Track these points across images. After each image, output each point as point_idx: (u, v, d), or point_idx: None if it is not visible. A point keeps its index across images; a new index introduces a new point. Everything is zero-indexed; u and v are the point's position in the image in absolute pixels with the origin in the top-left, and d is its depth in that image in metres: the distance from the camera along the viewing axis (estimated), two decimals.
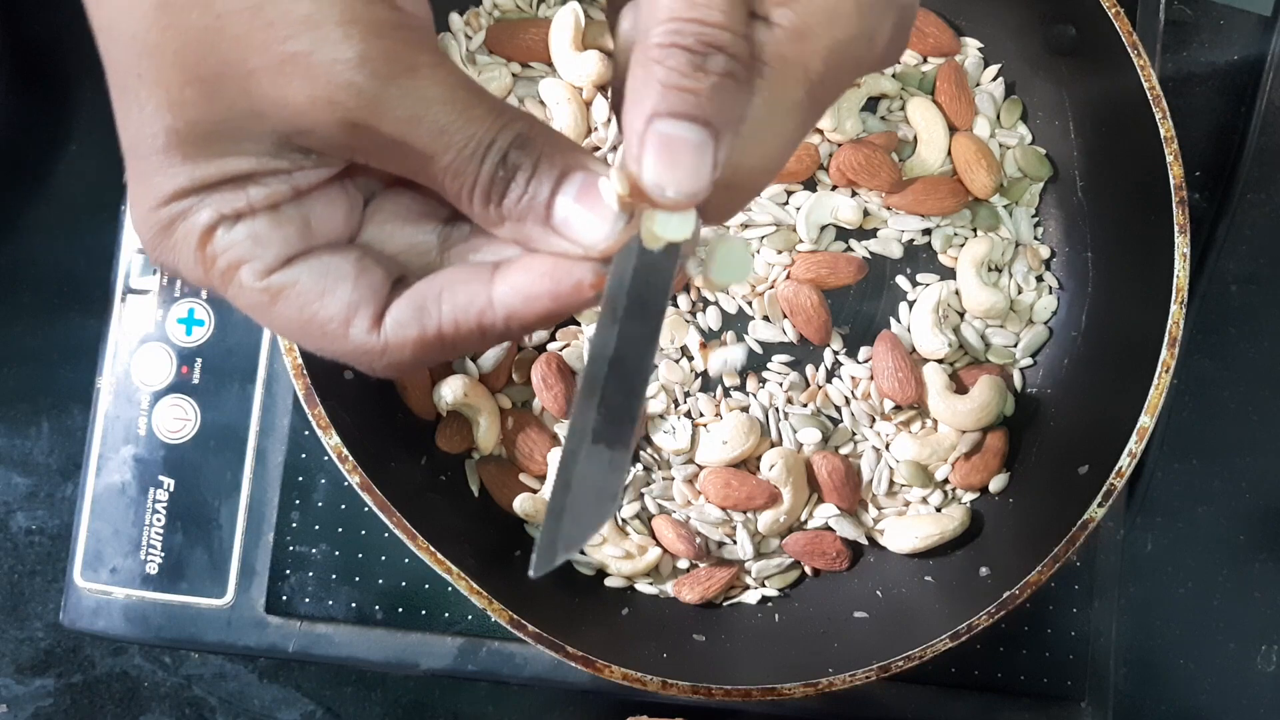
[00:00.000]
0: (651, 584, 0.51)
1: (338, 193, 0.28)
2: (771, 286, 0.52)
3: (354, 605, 0.50)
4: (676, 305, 0.52)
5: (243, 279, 0.26)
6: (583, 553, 0.50)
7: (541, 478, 0.51)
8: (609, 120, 0.52)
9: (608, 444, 0.25)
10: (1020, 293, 0.54)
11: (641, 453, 0.51)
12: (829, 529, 0.51)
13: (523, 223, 0.26)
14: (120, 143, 0.27)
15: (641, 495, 0.51)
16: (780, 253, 0.52)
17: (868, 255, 0.53)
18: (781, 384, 0.52)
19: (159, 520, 0.51)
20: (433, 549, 0.43)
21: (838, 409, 0.52)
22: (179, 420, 0.52)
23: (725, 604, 0.51)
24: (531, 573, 0.25)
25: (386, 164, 0.26)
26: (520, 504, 0.50)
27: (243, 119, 0.25)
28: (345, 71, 0.24)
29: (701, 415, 0.51)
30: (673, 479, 0.51)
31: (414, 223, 0.29)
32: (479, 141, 0.25)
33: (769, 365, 0.52)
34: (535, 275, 0.27)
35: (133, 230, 0.53)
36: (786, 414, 0.52)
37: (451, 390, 0.49)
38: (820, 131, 0.53)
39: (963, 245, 0.53)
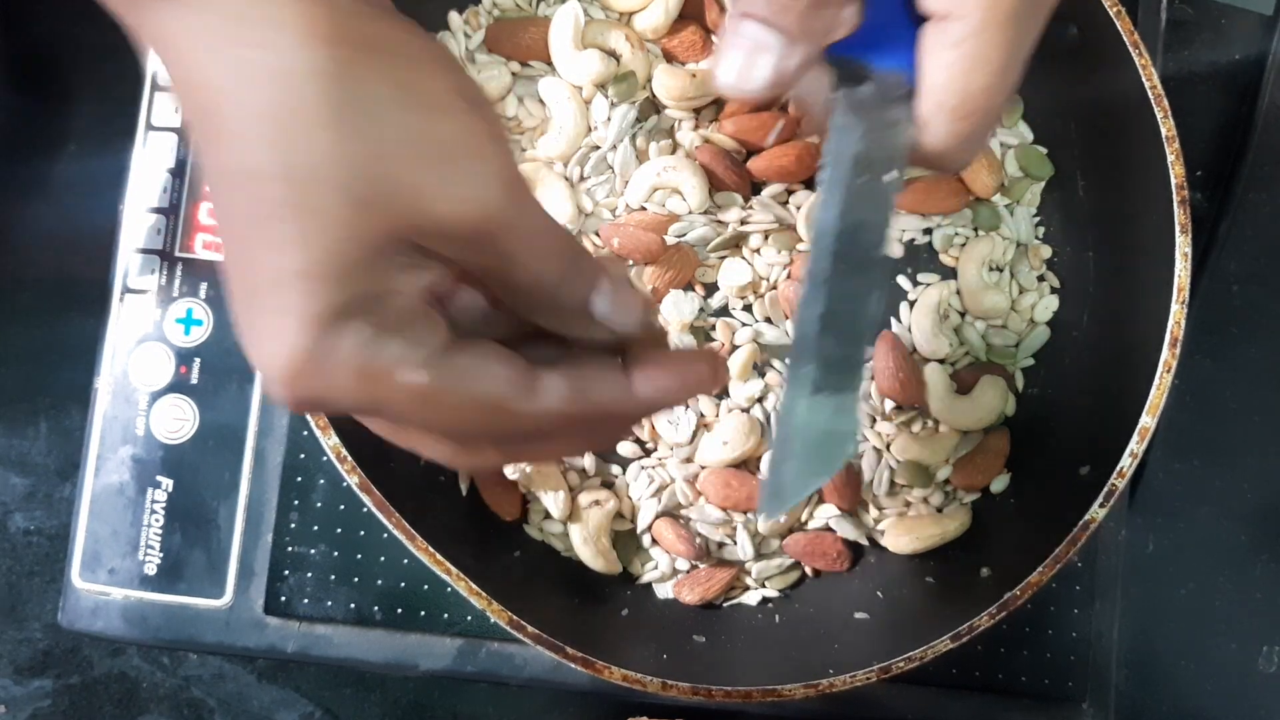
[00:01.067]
0: (658, 582, 0.51)
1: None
2: (773, 287, 0.52)
3: (353, 606, 0.50)
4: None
5: (403, 375, 0.27)
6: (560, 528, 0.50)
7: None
8: (609, 119, 0.51)
9: (833, 391, 0.27)
10: (1021, 293, 0.53)
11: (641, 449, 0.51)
12: (829, 529, 0.51)
13: (567, 316, 0.30)
14: (234, 283, 0.27)
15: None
16: (781, 252, 0.52)
17: None
18: (782, 384, 0.52)
19: (157, 521, 0.51)
20: (432, 550, 0.43)
21: None
22: (177, 420, 0.52)
23: (725, 605, 0.51)
24: (761, 515, 0.28)
25: (479, 266, 0.28)
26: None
27: (392, 231, 0.26)
28: (501, 187, 0.26)
29: (703, 415, 0.51)
30: (673, 479, 0.51)
31: (507, 359, 0.30)
32: (561, 255, 0.29)
33: (771, 364, 0.52)
34: (673, 375, 0.30)
35: (128, 231, 0.53)
36: None
37: None
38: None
39: (964, 245, 0.53)
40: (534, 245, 0.28)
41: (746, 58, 0.27)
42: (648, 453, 0.51)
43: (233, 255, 0.27)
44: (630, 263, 0.32)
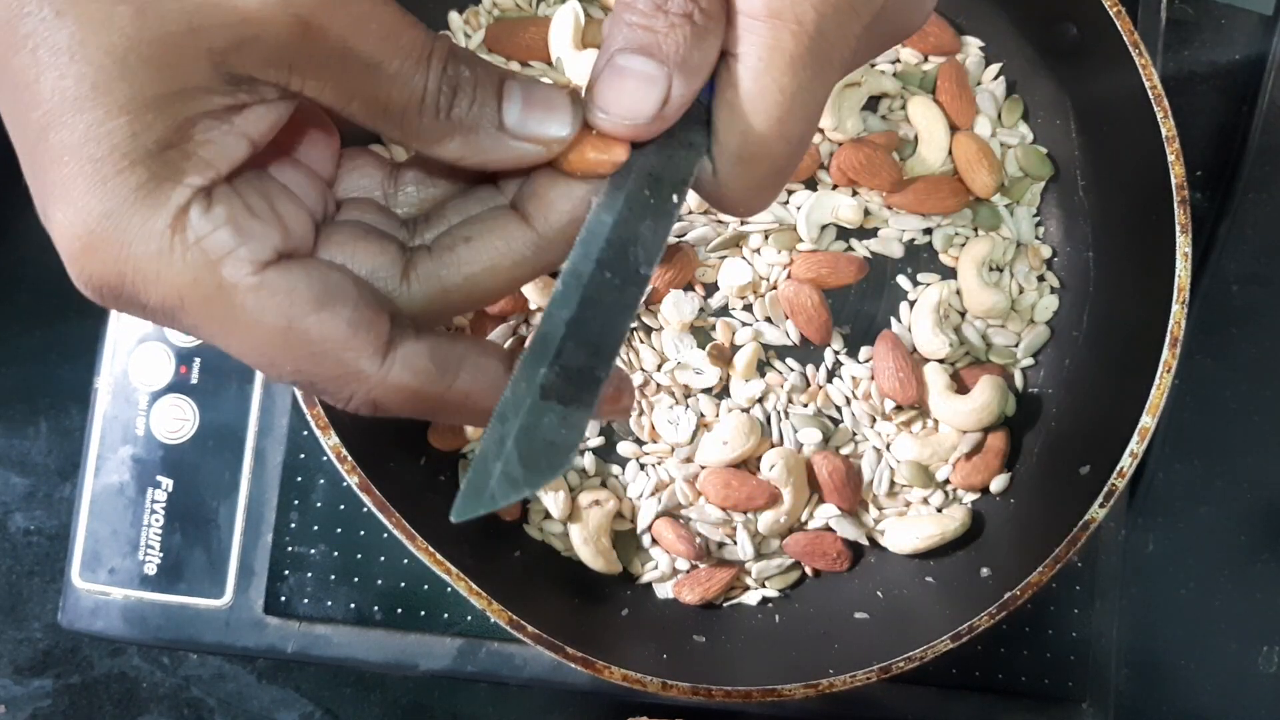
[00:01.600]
0: (659, 582, 0.51)
1: (300, 181, 0.26)
2: (773, 287, 0.52)
3: (353, 606, 0.50)
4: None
5: (227, 274, 0.23)
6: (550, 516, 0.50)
7: None
8: None
9: (561, 401, 0.25)
10: (1021, 292, 0.53)
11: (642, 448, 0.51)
12: (829, 530, 0.51)
13: (476, 133, 0.25)
14: (24, 128, 0.23)
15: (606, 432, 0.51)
16: (781, 252, 0.52)
17: (868, 255, 0.53)
18: (782, 384, 0.52)
19: (157, 521, 0.51)
20: (432, 549, 0.43)
21: (838, 409, 0.52)
22: (177, 420, 0.52)
23: (725, 605, 0.51)
24: (453, 516, 0.24)
25: (327, 82, 0.24)
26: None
27: (180, 38, 0.22)
28: None
29: (703, 415, 0.51)
30: (673, 479, 0.51)
31: (375, 242, 0.27)
32: (423, 46, 0.24)
33: (771, 364, 0.52)
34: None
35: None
36: (787, 414, 0.51)
37: None
38: (821, 131, 0.53)
39: (964, 245, 0.53)
40: (375, 31, 0.23)
41: (632, 91, 0.25)
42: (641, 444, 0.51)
43: (9, 97, 0.22)
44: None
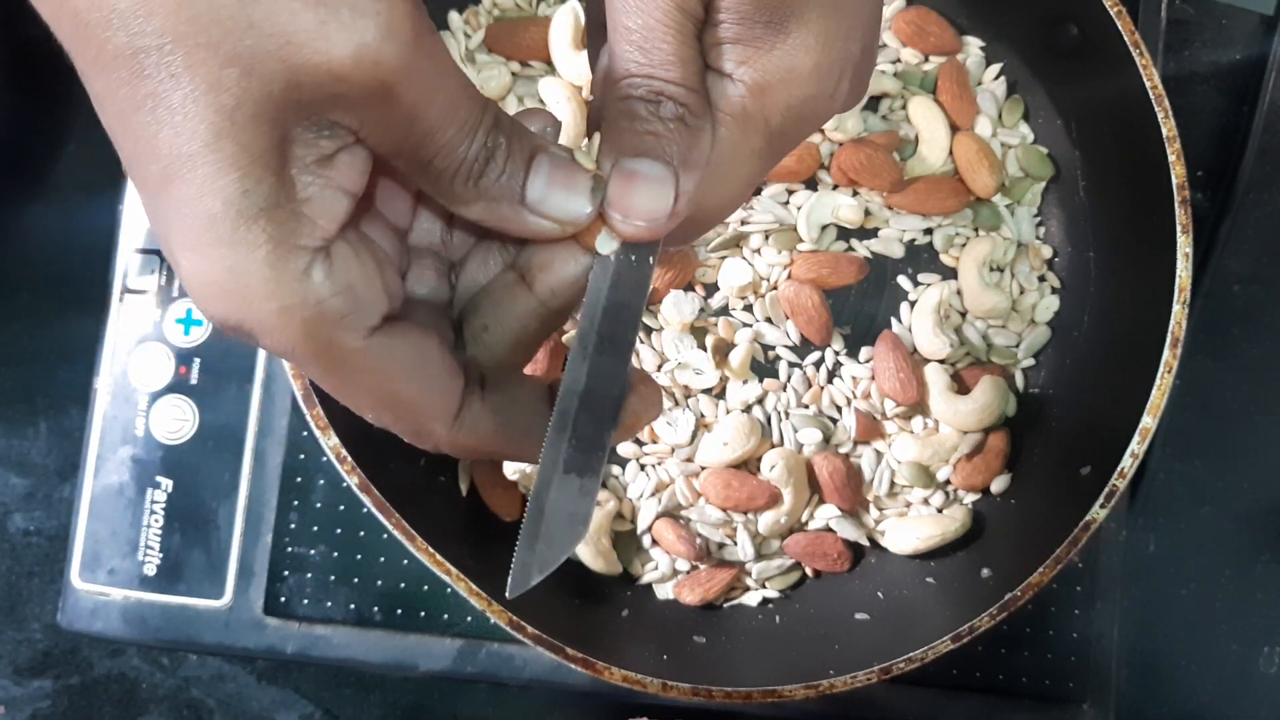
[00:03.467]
0: (659, 582, 0.51)
1: (386, 236, 0.29)
2: (774, 287, 0.52)
3: (353, 607, 0.50)
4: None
5: (339, 337, 0.25)
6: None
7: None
8: None
9: (578, 473, 0.27)
10: (1022, 293, 0.53)
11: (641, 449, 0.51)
12: (830, 530, 0.51)
13: (499, 203, 0.27)
14: (146, 180, 0.24)
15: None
16: (781, 252, 0.52)
17: (869, 255, 0.53)
18: (783, 385, 0.52)
19: (157, 521, 0.51)
20: (432, 550, 0.43)
21: (839, 409, 0.52)
22: (177, 421, 0.52)
23: (726, 605, 0.51)
24: (508, 594, 0.27)
25: (385, 138, 0.26)
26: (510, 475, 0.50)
27: (281, 95, 0.24)
28: (388, 28, 0.24)
29: (703, 416, 0.51)
30: (673, 479, 0.51)
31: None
32: (476, 118, 0.26)
33: (771, 365, 0.52)
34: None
35: (128, 230, 0.53)
36: (787, 414, 0.51)
37: None
38: (821, 131, 0.53)
39: (964, 245, 0.53)
40: (441, 102, 0.25)
41: (645, 193, 0.28)
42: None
43: (131, 150, 0.24)
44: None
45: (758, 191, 0.52)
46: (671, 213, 0.28)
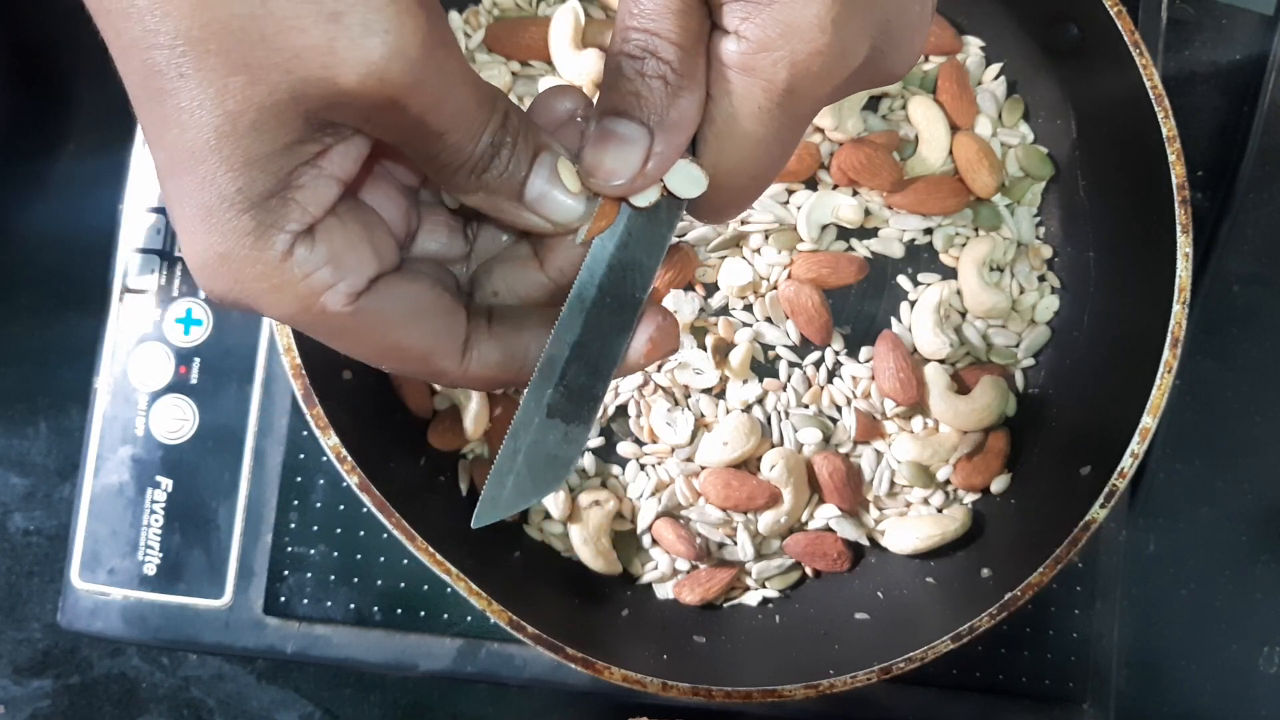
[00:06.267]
0: (659, 582, 0.51)
1: (386, 199, 0.29)
2: (774, 287, 0.52)
3: (352, 606, 0.50)
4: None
5: (330, 302, 0.27)
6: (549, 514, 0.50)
7: None
8: None
9: (564, 419, 0.28)
10: (1022, 293, 0.53)
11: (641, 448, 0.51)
12: (830, 530, 0.51)
13: (496, 195, 0.28)
14: (157, 162, 0.26)
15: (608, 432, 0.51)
16: (781, 252, 0.52)
17: (869, 255, 0.53)
18: (784, 384, 0.52)
19: (157, 521, 0.51)
20: (431, 550, 0.43)
21: (839, 409, 0.52)
22: (177, 420, 0.52)
23: (726, 605, 0.51)
24: (474, 523, 0.27)
25: (392, 134, 0.27)
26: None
27: (285, 104, 0.25)
28: (396, 47, 0.24)
29: (703, 415, 0.51)
30: (673, 479, 0.51)
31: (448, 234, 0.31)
32: (484, 121, 0.27)
33: (771, 365, 0.52)
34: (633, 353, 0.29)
35: (128, 230, 0.53)
36: (787, 414, 0.51)
37: None
38: (821, 130, 0.53)
39: (964, 245, 0.53)
40: (449, 110, 0.26)
41: (615, 152, 0.28)
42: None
43: (146, 132, 0.26)
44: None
45: None
46: (639, 173, 0.28)
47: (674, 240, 0.30)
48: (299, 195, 0.26)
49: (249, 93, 0.24)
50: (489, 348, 0.29)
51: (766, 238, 0.52)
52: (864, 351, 0.52)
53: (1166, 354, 0.45)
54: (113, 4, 0.24)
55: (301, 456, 0.51)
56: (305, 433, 0.51)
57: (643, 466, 0.51)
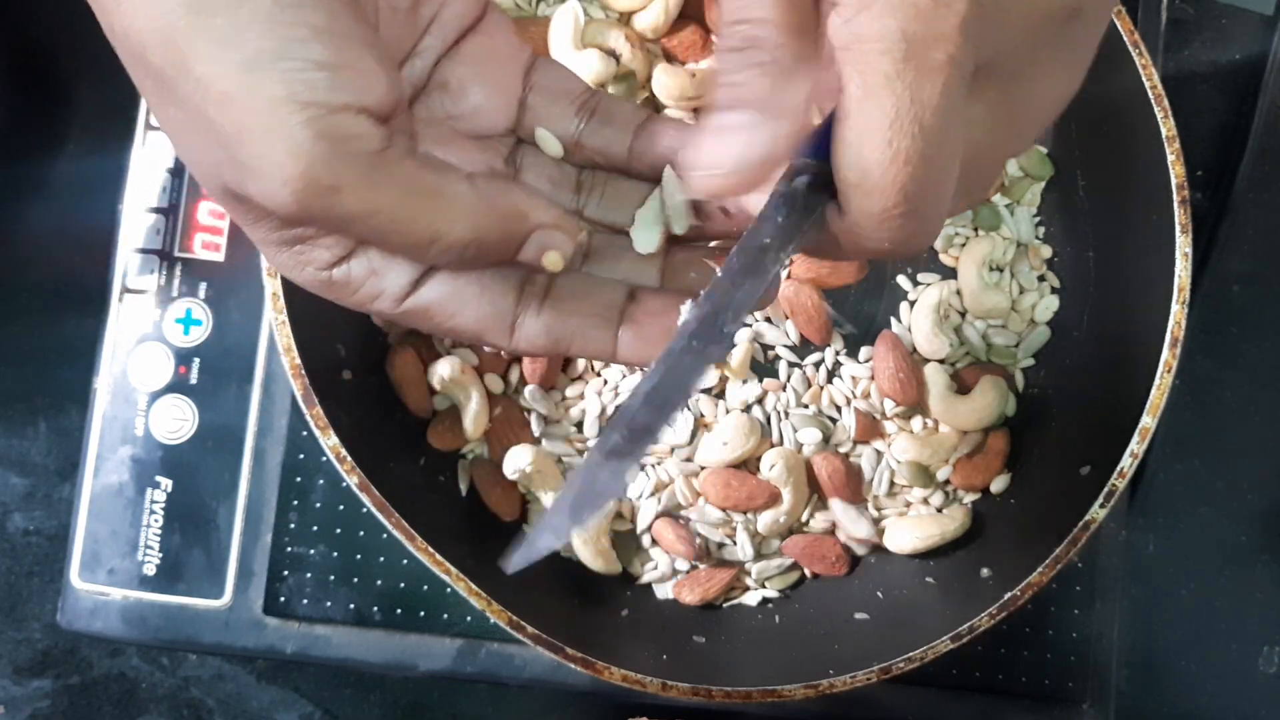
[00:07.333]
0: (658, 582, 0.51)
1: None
2: None
3: (352, 606, 0.50)
4: None
5: (382, 308, 0.30)
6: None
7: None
8: None
9: (619, 456, 0.28)
10: (1022, 292, 0.53)
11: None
12: (831, 533, 0.51)
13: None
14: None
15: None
16: None
17: None
18: (783, 384, 0.52)
19: (156, 521, 0.51)
20: (431, 550, 0.43)
21: (838, 409, 0.52)
22: (177, 421, 0.52)
23: (725, 605, 0.51)
24: (509, 568, 0.28)
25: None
26: (515, 456, 0.49)
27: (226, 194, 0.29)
28: (279, 191, 0.26)
29: (703, 415, 0.51)
30: (672, 479, 0.51)
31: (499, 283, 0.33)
32: (419, 242, 0.28)
33: (772, 365, 0.52)
34: (654, 343, 0.31)
35: (127, 230, 0.53)
36: (787, 414, 0.51)
37: (443, 371, 0.49)
38: None
39: (964, 245, 0.53)
40: (369, 227, 0.27)
41: (719, 144, 0.27)
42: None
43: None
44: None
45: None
46: (746, 161, 0.26)
47: (779, 272, 0.29)
48: (324, 238, 0.28)
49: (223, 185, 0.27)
50: (535, 329, 0.31)
51: None
52: (864, 351, 0.52)
53: (1166, 354, 0.45)
54: (110, 24, 0.27)
55: (301, 456, 0.51)
56: (305, 433, 0.51)
57: (642, 466, 0.51)
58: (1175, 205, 0.45)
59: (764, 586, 0.51)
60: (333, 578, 0.50)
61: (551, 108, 0.33)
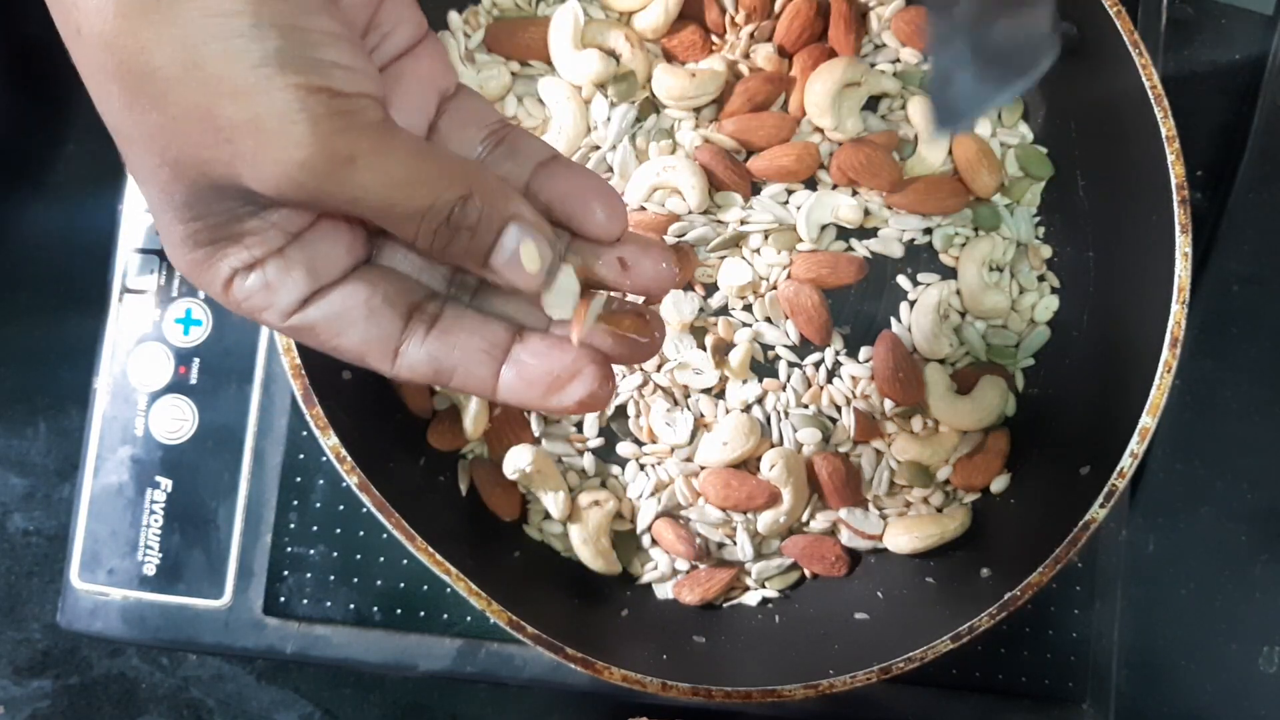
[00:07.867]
0: (659, 583, 0.51)
1: (335, 231, 0.31)
2: (773, 287, 0.52)
3: (352, 606, 0.50)
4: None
5: (268, 320, 0.30)
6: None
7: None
8: (608, 119, 0.51)
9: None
10: (1022, 292, 0.53)
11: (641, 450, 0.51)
12: (831, 534, 0.51)
13: (463, 263, 0.30)
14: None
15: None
16: (781, 252, 0.52)
17: (868, 255, 0.53)
18: (783, 384, 0.52)
19: (156, 521, 0.51)
20: (431, 550, 0.43)
21: (838, 409, 0.52)
22: (176, 421, 0.52)
23: (725, 605, 0.51)
24: (932, 133, 0.24)
25: (333, 211, 0.30)
26: (515, 456, 0.49)
27: (209, 189, 0.28)
28: (289, 171, 0.27)
29: (703, 415, 0.51)
30: (672, 479, 0.51)
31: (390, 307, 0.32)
32: (419, 210, 0.29)
33: (771, 365, 0.52)
34: (535, 386, 0.31)
35: (127, 231, 0.53)
36: (787, 414, 0.51)
37: None
38: (821, 131, 0.53)
39: (964, 245, 0.53)
40: (390, 190, 0.28)
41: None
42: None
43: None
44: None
45: (757, 190, 0.52)
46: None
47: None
48: (246, 239, 0.29)
49: (175, 183, 0.28)
50: (418, 356, 0.31)
51: (766, 238, 0.52)
52: (864, 351, 0.52)
53: (1166, 354, 0.45)
54: (75, 55, 0.27)
55: (301, 456, 0.51)
56: (305, 433, 0.51)
57: (642, 466, 0.51)
58: (1175, 205, 0.45)
59: (764, 586, 0.51)
60: (333, 578, 0.50)
61: (460, 132, 0.33)
